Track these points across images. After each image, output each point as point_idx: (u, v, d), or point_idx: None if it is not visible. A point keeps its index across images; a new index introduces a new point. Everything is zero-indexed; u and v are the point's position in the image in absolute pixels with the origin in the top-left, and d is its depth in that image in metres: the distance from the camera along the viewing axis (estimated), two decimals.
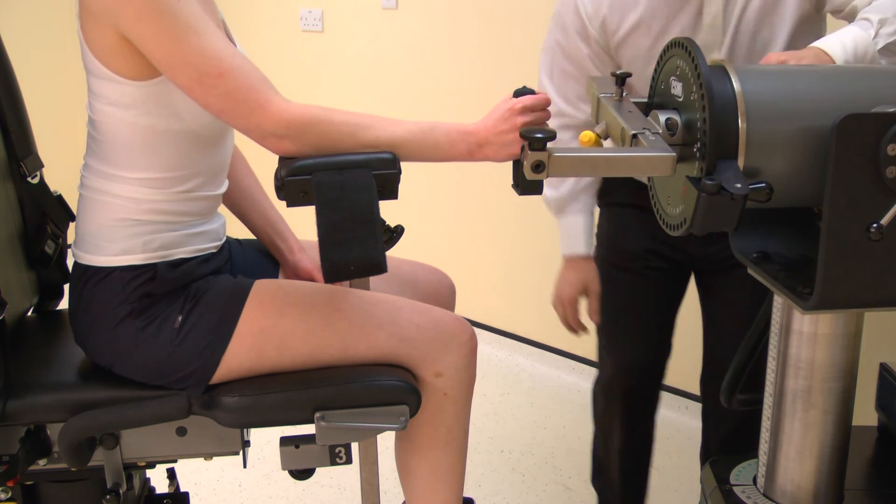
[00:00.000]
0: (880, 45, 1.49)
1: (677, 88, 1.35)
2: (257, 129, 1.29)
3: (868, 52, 1.49)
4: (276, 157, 1.34)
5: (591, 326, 2.00)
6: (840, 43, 1.47)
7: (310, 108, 1.30)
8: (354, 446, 1.48)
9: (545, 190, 1.68)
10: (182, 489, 1.72)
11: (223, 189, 1.49)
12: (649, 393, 2.06)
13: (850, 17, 1.62)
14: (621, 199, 1.89)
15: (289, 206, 1.33)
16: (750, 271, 1.50)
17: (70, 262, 1.50)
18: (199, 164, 1.40)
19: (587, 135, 1.42)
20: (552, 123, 1.63)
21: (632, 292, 1.92)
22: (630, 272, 1.90)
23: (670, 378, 2.78)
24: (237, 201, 1.63)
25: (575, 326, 1.95)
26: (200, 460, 1.51)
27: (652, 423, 2.11)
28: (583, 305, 1.93)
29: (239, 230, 1.65)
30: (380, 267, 1.31)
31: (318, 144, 1.31)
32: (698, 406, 2.71)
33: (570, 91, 1.80)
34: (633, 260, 1.89)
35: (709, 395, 1.98)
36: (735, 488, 1.54)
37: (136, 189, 1.37)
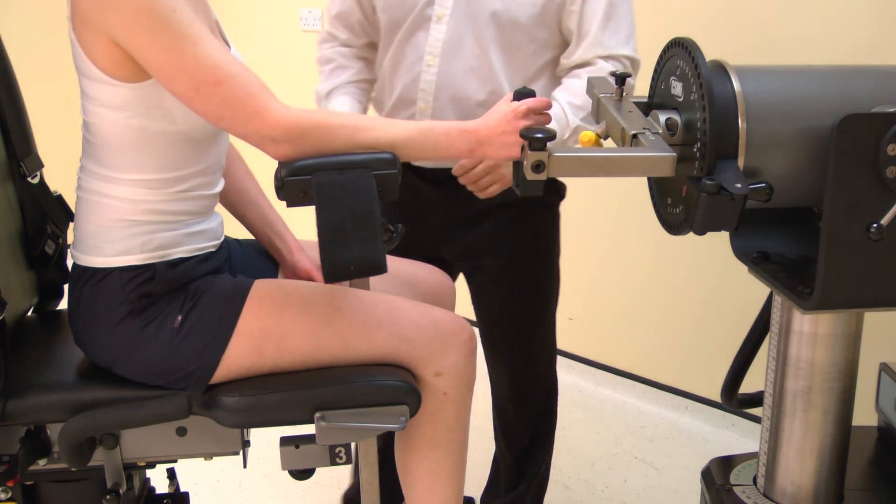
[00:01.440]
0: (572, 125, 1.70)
1: (677, 88, 1.35)
2: (256, 136, 1.29)
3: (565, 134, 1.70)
4: None
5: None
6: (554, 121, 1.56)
7: (308, 113, 1.30)
8: (354, 446, 1.48)
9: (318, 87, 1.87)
10: (182, 489, 1.71)
11: (219, 188, 1.49)
12: None
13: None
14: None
15: (289, 206, 1.32)
16: (750, 271, 1.50)
17: (70, 263, 1.50)
18: (194, 164, 1.40)
19: (587, 135, 1.42)
20: (322, 35, 1.91)
21: None
22: None
23: (669, 378, 2.80)
24: (235, 202, 1.63)
25: None
26: (200, 460, 1.50)
27: None
28: None
29: (238, 230, 1.65)
30: (380, 267, 1.31)
31: (317, 148, 1.31)
32: (698, 406, 2.72)
33: (334, 6, 1.87)
34: None
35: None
36: (735, 488, 1.55)
37: (132, 190, 1.37)
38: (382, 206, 1.32)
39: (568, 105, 1.70)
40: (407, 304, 1.46)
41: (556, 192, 1.92)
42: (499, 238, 1.86)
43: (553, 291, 2.01)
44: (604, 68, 1.70)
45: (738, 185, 1.22)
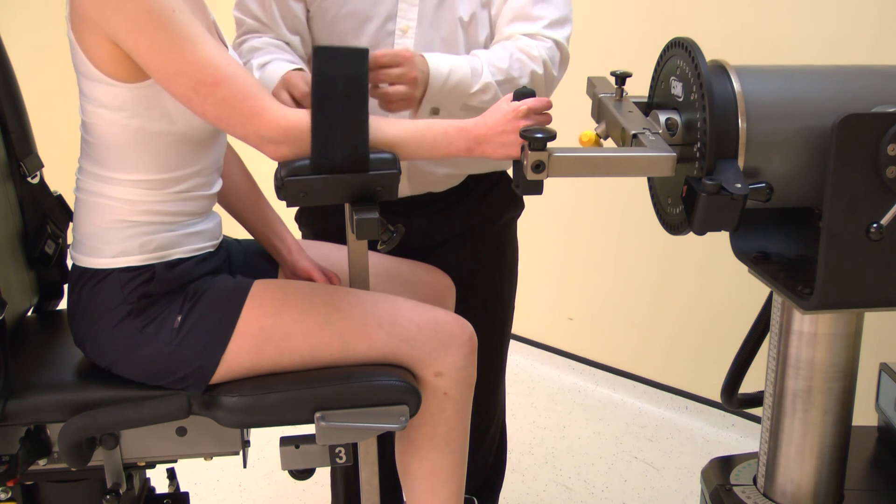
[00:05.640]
0: (471, 103, 1.50)
1: (677, 88, 1.35)
2: (254, 136, 1.29)
3: (461, 98, 1.50)
4: None
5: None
6: (446, 71, 1.46)
7: (306, 114, 1.30)
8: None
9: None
10: (182, 489, 1.71)
11: (218, 188, 1.49)
12: None
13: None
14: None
15: (289, 206, 1.33)
16: (750, 271, 1.50)
17: (69, 263, 1.50)
18: (193, 164, 1.40)
19: (587, 134, 1.42)
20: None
21: None
22: None
23: (669, 378, 2.80)
24: (234, 203, 1.63)
25: None
26: (200, 460, 1.51)
27: None
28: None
29: (238, 231, 1.65)
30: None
31: None
32: (698, 406, 2.72)
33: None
34: None
35: None
36: (735, 488, 1.55)
37: (131, 190, 1.37)
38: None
39: (488, 62, 1.52)
40: (407, 304, 1.46)
41: (517, 204, 1.83)
42: (467, 264, 1.79)
43: (511, 314, 1.92)
44: (528, 45, 1.54)
45: (738, 185, 1.22)
